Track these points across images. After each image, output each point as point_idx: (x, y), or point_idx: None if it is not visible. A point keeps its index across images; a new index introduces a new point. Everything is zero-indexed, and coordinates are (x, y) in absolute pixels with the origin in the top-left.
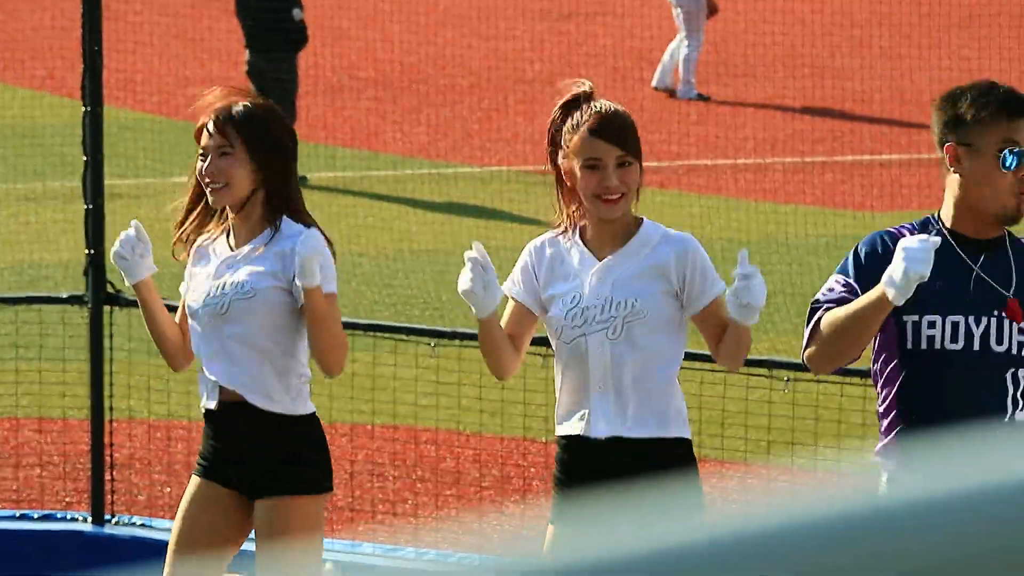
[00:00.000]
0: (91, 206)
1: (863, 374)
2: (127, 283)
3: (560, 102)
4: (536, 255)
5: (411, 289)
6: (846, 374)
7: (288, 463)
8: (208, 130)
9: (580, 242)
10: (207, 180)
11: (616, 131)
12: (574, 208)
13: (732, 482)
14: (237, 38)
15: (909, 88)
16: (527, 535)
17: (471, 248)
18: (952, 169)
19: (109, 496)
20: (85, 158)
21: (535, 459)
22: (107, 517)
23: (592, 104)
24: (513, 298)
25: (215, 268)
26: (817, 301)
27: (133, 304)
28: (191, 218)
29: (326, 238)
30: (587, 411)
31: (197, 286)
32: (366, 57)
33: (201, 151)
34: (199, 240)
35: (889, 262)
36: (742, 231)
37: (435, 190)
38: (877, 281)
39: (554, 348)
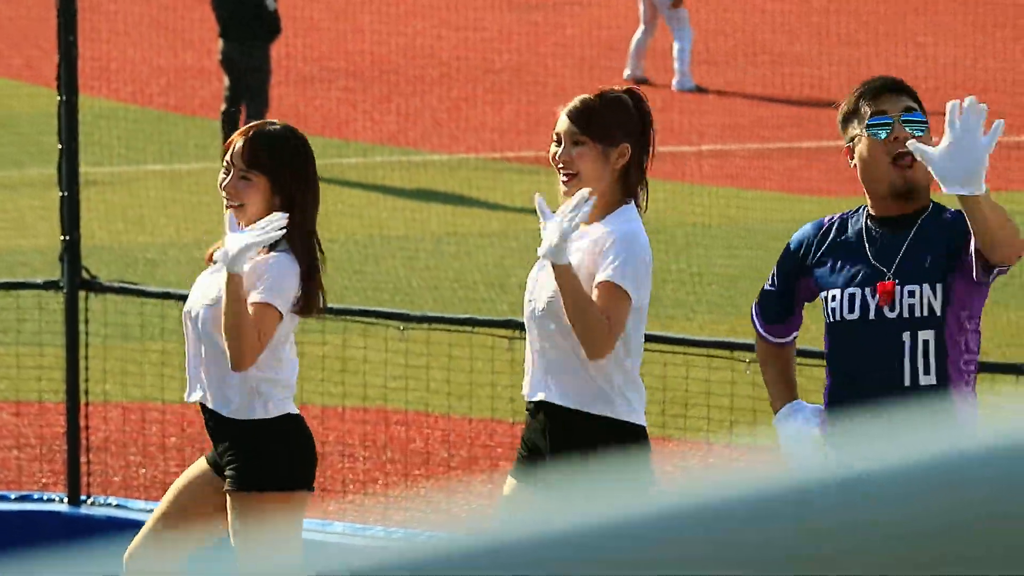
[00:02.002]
0: (66, 193)
1: (822, 355)
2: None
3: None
4: None
5: (381, 274)
6: (805, 355)
7: (246, 460)
8: (235, 149)
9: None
10: (224, 194)
11: (577, 111)
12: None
13: (695, 460)
14: (210, 27)
15: (867, 74)
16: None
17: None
18: (852, 166)
19: (85, 478)
20: (61, 146)
21: (502, 440)
22: (83, 498)
23: None
24: None
25: (208, 275)
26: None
27: (108, 290)
28: None
29: (306, 262)
30: (528, 372)
31: (193, 288)
32: (337, 47)
33: (224, 165)
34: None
35: (799, 256)
36: (706, 216)
37: (405, 177)
38: (790, 274)
39: None
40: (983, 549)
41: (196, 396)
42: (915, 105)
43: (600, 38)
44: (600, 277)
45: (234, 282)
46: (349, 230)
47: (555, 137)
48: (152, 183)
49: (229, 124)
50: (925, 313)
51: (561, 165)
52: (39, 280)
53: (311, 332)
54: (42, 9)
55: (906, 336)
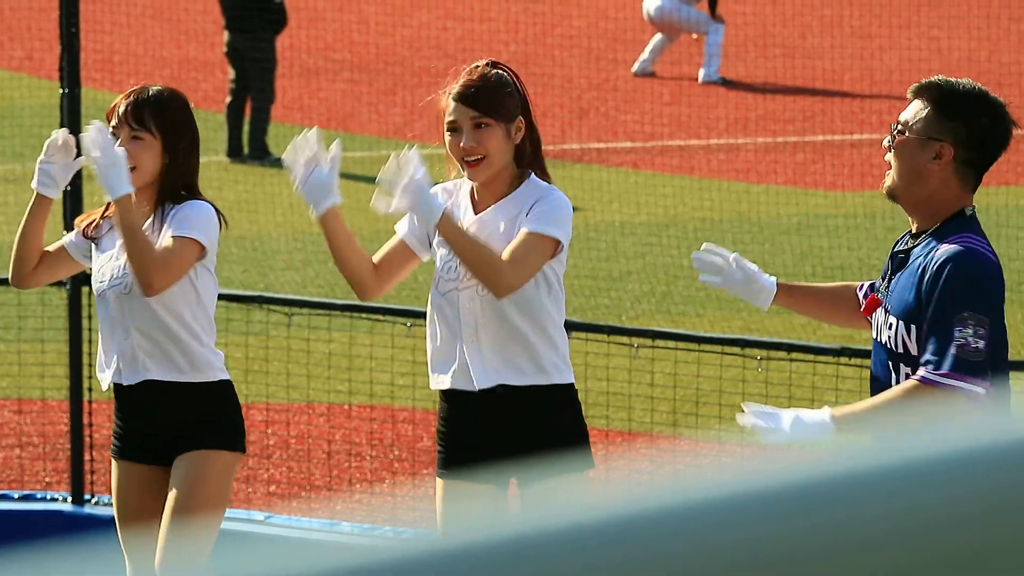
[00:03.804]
0: (69, 188)
1: (835, 352)
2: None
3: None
4: None
5: None
6: (819, 352)
7: (202, 423)
8: (121, 112)
9: (467, 195)
10: None
11: (472, 95)
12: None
13: (707, 459)
14: (214, 19)
15: (879, 68)
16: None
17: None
18: None
19: (88, 476)
20: None
21: None
22: (86, 497)
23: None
24: (399, 235)
25: (116, 249)
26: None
27: None
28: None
29: (217, 211)
30: (462, 364)
31: (101, 267)
32: (342, 39)
33: (112, 131)
34: (99, 220)
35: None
36: (715, 211)
37: None
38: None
39: (430, 296)
40: (977, 547)
41: (136, 378)
42: (918, 110)
43: (607, 29)
44: (527, 227)
45: (123, 203)
46: (354, 225)
47: (448, 126)
48: None
49: (234, 116)
50: (900, 349)
51: (465, 153)
52: None
53: (317, 329)
54: (44, 0)
55: (889, 365)
